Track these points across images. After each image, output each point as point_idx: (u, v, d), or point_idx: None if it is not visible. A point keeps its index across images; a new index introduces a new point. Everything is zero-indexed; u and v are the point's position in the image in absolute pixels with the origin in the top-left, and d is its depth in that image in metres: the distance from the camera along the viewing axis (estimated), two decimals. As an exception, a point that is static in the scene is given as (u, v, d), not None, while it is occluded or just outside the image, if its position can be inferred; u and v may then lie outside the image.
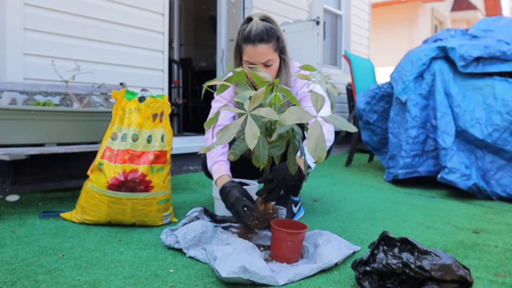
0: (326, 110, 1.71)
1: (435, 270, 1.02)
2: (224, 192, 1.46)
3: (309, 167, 1.56)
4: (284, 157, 1.76)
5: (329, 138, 1.68)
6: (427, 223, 1.86)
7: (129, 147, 1.61)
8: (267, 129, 1.28)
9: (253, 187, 1.63)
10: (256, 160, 1.20)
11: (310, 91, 1.18)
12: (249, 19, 1.66)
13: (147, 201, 1.60)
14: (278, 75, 1.74)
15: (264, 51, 1.62)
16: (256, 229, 1.40)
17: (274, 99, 1.21)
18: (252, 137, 1.03)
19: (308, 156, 1.56)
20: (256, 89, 1.74)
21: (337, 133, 5.03)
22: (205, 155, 1.85)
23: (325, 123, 1.66)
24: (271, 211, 1.41)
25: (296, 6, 4.63)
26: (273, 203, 1.46)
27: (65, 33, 2.48)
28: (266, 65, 1.63)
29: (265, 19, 1.66)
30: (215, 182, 1.59)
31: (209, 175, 1.89)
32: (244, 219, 1.37)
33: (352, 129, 1.09)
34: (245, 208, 1.38)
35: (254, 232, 1.42)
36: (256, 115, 1.08)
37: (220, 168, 1.61)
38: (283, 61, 1.73)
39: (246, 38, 1.62)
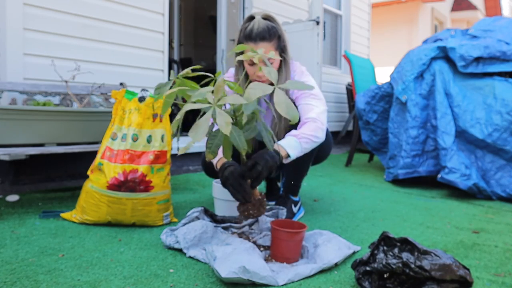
0: (321, 109, 1.70)
1: (435, 270, 1.02)
2: (222, 169, 1.44)
3: (288, 155, 1.54)
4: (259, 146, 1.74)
5: (318, 135, 1.63)
6: (427, 223, 1.86)
7: (129, 147, 1.61)
8: (233, 118, 1.29)
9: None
10: (238, 148, 1.22)
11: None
12: (251, 18, 1.67)
13: (147, 201, 1.60)
14: (278, 73, 1.74)
15: (265, 50, 1.62)
16: (250, 218, 1.40)
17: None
18: (226, 125, 1.04)
19: (287, 144, 1.55)
20: None
21: (337, 133, 5.03)
22: (205, 155, 1.85)
23: (316, 121, 1.65)
24: (259, 197, 1.41)
25: (296, 6, 4.62)
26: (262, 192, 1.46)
27: (65, 33, 2.48)
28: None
29: (267, 18, 1.68)
30: (216, 165, 1.59)
31: (210, 174, 1.89)
32: (237, 192, 1.36)
33: (309, 87, 1.15)
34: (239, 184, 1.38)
35: (253, 207, 1.41)
36: (220, 106, 1.10)
37: (219, 152, 1.61)
38: (283, 60, 1.74)
39: (247, 36, 1.63)
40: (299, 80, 1.78)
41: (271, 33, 1.64)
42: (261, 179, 1.40)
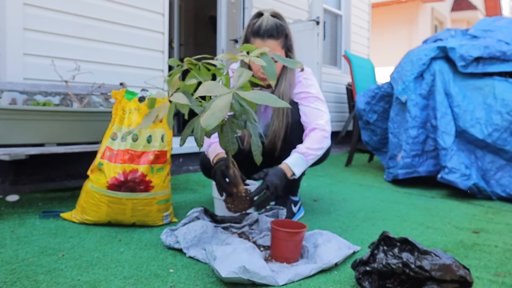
0: (328, 116, 1.71)
1: (435, 270, 1.02)
2: (215, 165, 1.50)
3: (293, 174, 1.57)
4: (270, 162, 1.76)
5: (324, 146, 1.65)
6: (427, 223, 1.86)
7: (129, 147, 1.61)
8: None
9: (252, 187, 1.63)
10: (195, 141, 1.29)
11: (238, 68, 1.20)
12: (260, 14, 1.67)
13: (147, 201, 1.60)
14: (282, 72, 1.74)
15: (272, 47, 1.63)
16: (230, 211, 1.45)
17: (226, 82, 1.28)
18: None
19: (294, 163, 1.57)
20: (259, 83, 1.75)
21: (337, 133, 5.03)
22: (203, 156, 1.86)
23: (324, 129, 1.66)
24: (243, 194, 1.43)
25: (296, 6, 4.62)
26: (248, 187, 1.48)
27: (65, 33, 2.48)
28: None
29: (275, 15, 1.68)
30: (212, 161, 1.62)
31: (207, 174, 1.89)
32: (220, 186, 1.43)
33: (283, 104, 1.10)
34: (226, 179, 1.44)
35: (239, 201, 1.45)
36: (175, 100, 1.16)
37: (215, 148, 1.65)
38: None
39: (255, 32, 1.63)
40: (304, 81, 1.76)
41: (279, 31, 1.64)
42: (267, 203, 1.44)
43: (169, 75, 1.31)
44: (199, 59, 1.35)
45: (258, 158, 1.37)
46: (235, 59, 1.26)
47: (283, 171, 1.52)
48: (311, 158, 1.61)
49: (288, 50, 1.72)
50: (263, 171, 1.48)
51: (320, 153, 1.65)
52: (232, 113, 1.32)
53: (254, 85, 1.78)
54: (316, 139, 1.63)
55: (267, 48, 1.30)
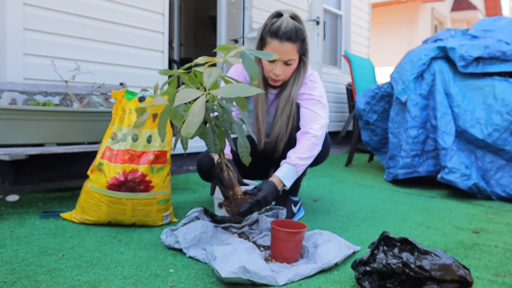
0: (324, 122, 1.69)
1: (435, 270, 1.02)
2: (214, 168, 1.49)
3: (283, 186, 1.56)
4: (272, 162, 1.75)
5: (314, 154, 1.63)
6: (427, 223, 1.86)
7: (129, 147, 1.61)
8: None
9: (251, 187, 1.63)
10: (181, 144, 1.31)
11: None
12: (279, 14, 1.65)
13: (147, 201, 1.60)
14: (294, 74, 1.73)
15: (289, 50, 1.62)
16: (228, 213, 1.44)
17: (214, 84, 1.28)
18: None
19: (285, 176, 1.57)
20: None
21: (337, 133, 5.03)
22: (200, 157, 1.85)
23: (316, 136, 1.63)
24: (239, 196, 1.42)
25: (296, 6, 4.62)
26: (242, 188, 1.47)
27: (65, 33, 2.48)
28: (287, 63, 1.64)
29: (294, 17, 1.66)
30: (216, 162, 1.60)
31: (204, 176, 1.88)
32: (217, 185, 1.42)
33: (255, 91, 1.08)
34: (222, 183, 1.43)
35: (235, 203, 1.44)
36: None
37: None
38: (302, 63, 1.72)
39: (274, 33, 1.61)
40: (310, 83, 1.76)
41: (297, 35, 1.62)
42: (256, 210, 1.45)
43: (167, 83, 1.31)
44: (189, 68, 1.34)
45: (246, 159, 1.36)
46: (213, 61, 1.26)
47: (275, 186, 1.51)
48: (301, 169, 1.60)
49: (303, 54, 1.70)
50: (256, 187, 1.47)
51: (310, 162, 1.64)
52: (215, 114, 1.32)
53: (266, 84, 1.77)
54: (307, 147, 1.61)
55: (274, 54, 1.29)
